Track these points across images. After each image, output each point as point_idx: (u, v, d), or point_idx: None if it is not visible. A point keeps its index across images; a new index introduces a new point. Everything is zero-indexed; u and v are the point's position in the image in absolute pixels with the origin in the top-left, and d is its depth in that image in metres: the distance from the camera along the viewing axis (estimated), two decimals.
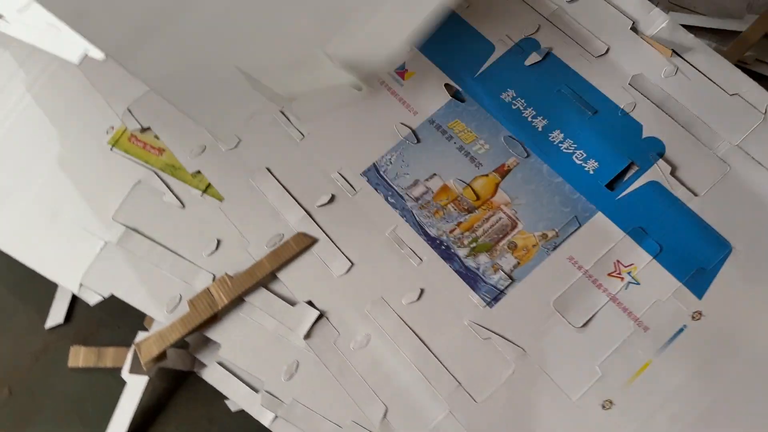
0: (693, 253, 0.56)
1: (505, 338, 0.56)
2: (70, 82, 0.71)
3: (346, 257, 0.59)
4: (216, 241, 0.62)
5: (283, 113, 0.65)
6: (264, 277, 0.59)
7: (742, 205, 0.57)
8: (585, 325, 0.55)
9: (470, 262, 0.59)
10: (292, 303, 0.59)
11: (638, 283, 0.56)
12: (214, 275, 0.61)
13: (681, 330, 0.54)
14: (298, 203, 0.62)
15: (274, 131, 0.65)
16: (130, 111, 0.68)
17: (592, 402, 0.53)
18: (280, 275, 0.60)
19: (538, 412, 0.53)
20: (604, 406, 0.53)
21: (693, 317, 0.55)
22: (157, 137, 0.67)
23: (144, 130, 0.67)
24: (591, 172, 0.60)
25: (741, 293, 0.55)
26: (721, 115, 0.60)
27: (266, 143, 0.65)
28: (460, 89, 0.65)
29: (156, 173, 0.66)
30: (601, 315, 0.55)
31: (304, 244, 0.60)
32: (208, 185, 0.64)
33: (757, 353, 0.53)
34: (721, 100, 0.61)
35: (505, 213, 0.60)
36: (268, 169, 0.64)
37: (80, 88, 0.70)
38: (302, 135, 0.64)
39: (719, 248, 0.56)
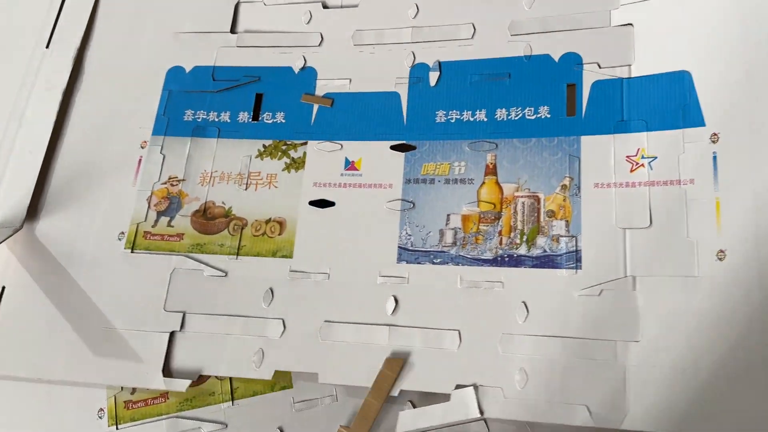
0: (668, 102, 0.63)
1: (611, 280, 0.59)
2: None
3: (450, 330, 0.61)
4: (269, 290, 0.65)
5: None
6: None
7: (669, 38, 0.64)
8: (651, 222, 0.60)
9: (535, 252, 0.62)
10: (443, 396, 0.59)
11: (656, 157, 0.62)
12: (283, 320, 0.63)
13: (715, 159, 0.60)
14: (375, 324, 0.63)
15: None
16: None
17: (710, 254, 0.57)
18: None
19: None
20: (719, 257, 0.57)
21: (712, 140, 0.60)
22: (171, 225, 0.70)
23: None
24: (548, 116, 0.66)
25: (728, 97, 0.61)
26: None
27: None
28: (404, 142, 0.68)
29: (186, 256, 0.68)
30: (656, 203, 0.60)
31: (398, 366, 0.60)
32: (239, 248, 0.67)
33: None
34: None
35: (522, 196, 0.64)
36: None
37: None
38: (328, 275, 0.66)
39: (679, 80, 0.63)
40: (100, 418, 0.67)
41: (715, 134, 0.60)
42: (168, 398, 0.65)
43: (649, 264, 0.59)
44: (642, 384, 0.56)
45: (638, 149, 0.63)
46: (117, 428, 0.66)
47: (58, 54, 0.78)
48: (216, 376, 0.66)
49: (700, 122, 0.61)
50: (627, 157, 0.63)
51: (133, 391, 0.66)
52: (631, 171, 0.62)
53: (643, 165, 0.62)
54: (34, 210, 0.73)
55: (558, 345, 0.58)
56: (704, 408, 0.54)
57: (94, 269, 0.69)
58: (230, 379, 0.66)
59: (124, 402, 0.66)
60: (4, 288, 0.69)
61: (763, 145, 0.58)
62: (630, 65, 0.65)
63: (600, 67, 0.66)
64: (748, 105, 0.60)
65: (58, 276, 0.69)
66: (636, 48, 0.65)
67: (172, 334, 0.66)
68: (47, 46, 0.78)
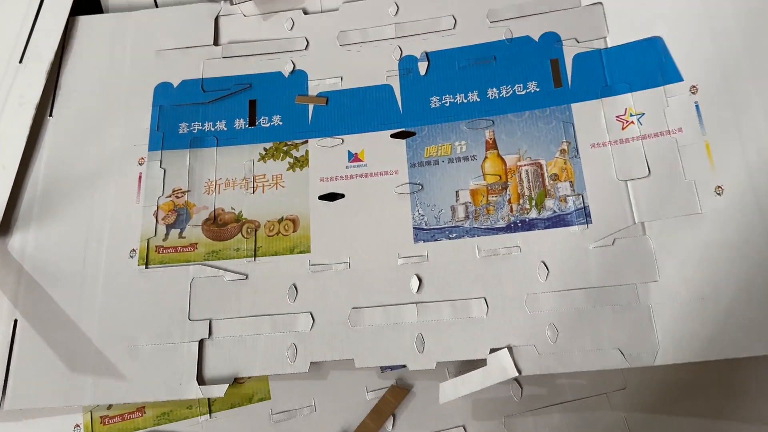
0: (645, 64, 0.68)
1: (621, 229, 0.63)
2: None
3: (476, 299, 0.63)
4: (292, 286, 0.65)
5: None
6: None
7: (636, 10, 0.70)
8: (650, 171, 0.64)
9: (545, 213, 0.65)
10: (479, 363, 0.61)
11: (643, 113, 0.66)
12: (311, 313, 0.64)
13: (697, 108, 0.65)
14: (402, 304, 0.64)
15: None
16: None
17: (709, 191, 0.62)
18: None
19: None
20: (717, 192, 0.62)
21: (692, 92, 0.65)
22: (182, 236, 0.69)
23: None
24: (537, 90, 0.70)
25: (699, 53, 0.66)
26: None
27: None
28: (403, 129, 0.71)
29: (203, 264, 0.67)
30: (651, 154, 0.64)
31: (402, 395, 0.62)
32: (256, 249, 0.67)
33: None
34: None
35: (525, 165, 0.67)
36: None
37: None
38: (348, 263, 0.67)
39: (653, 45, 0.68)
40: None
41: (693, 86, 0.66)
42: (145, 412, 0.64)
43: (655, 209, 0.63)
44: (668, 319, 0.59)
45: (626, 108, 0.67)
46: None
47: (32, 69, 0.77)
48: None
49: (678, 78, 0.66)
50: (617, 117, 0.67)
51: (110, 406, 0.65)
52: (623, 128, 0.66)
53: (632, 122, 0.66)
54: (7, 226, 0.71)
55: (582, 296, 0.61)
56: (729, 331, 0.57)
57: (110, 290, 0.68)
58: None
59: (101, 417, 0.65)
60: (16, 321, 0.67)
61: (737, 89, 0.64)
62: (605, 37, 0.70)
63: (578, 42, 0.70)
64: (717, 57, 0.65)
65: (71, 300, 0.68)
66: (608, 22, 0.70)
67: (201, 342, 0.65)
68: (20, 61, 0.77)
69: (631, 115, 0.67)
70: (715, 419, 0.61)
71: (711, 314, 0.58)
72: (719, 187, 0.62)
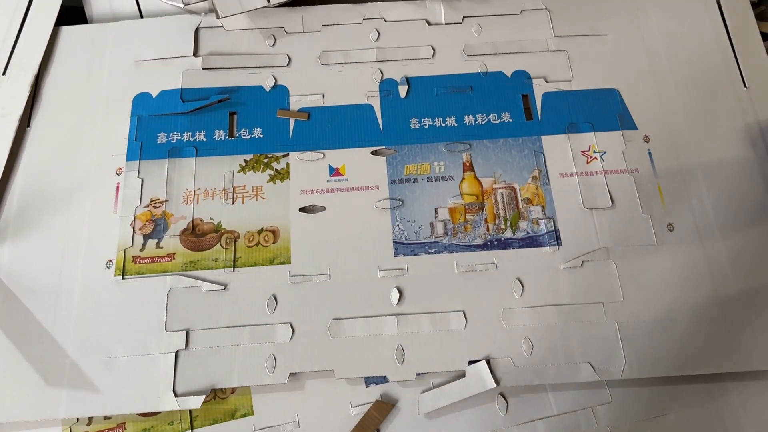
0: (606, 110, 0.75)
1: (588, 252, 0.67)
2: None
3: (455, 312, 0.65)
4: (272, 296, 0.65)
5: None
6: None
7: (597, 64, 0.77)
8: (613, 202, 0.70)
9: (519, 234, 0.69)
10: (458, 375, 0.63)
11: (605, 152, 0.72)
12: (290, 323, 0.64)
13: (650, 154, 0.72)
14: (383, 315, 0.65)
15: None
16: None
17: (662, 227, 0.68)
18: None
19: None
20: (669, 228, 0.68)
21: (645, 140, 0.73)
22: (160, 246, 0.68)
23: None
24: (510, 120, 0.74)
25: (650, 108, 0.74)
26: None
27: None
28: (383, 147, 0.73)
29: (181, 274, 0.66)
30: (613, 188, 0.70)
31: (386, 410, 0.63)
32: (235, 260, 0.66)
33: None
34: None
35: (500, 188, 0.71)
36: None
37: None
38: (329, 275, 0.67)
39: (611, 95, 0.75)
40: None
41: (646, 136, 0.73)
42: (125, 428, 0.62)
43: (617, 236, 0.68)
44: (632, 337, 0.63)
45: (590, 145, 0.73)
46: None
47: (15, 80, 0.74)
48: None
49: (633, 126, 0.74)
50: (582, 151, 0.72)
51: (90, 421, 0.62)
52: (587, 162, 0.72)
53: (596, 158, 0.72)
54: None
55: (554, 313, 0.65)
56: (686, 350, 0.63)
57: (87, 302, 0.65)
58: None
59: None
60: None
61: (680, 145, 0.73)
62: (570, 80, 0.76)
63: (546, 81, 0.76)
64: (664, 114, 0.74)
65: (47, 312, 0.65)
66: (573, 68, 0.77)
67: (177, 353, 0.63)
68: (3, 73, 0.74)
69: (594, 152, 0.72)
70: None
71: (669, 334, 0.63)
72: (670, 224, 0.69)
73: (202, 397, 0.61)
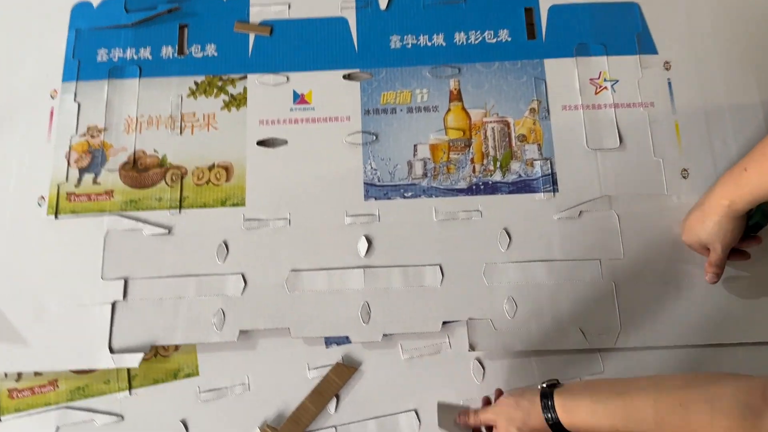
0: (623, 28, 0.63)
1: (588, 201, 0.58)
2: None
3: (430, 266, 0.57)
4: (223, 243, 0.58)
5: None
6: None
7: None
8: (621, 141, 0.60)
9: (510, 177, 0.59)
10: None
11: (617, 80, 0.62)
12: (243, 275, 0.57)
13: (670, 85, 0.61)
14: (348, 268, 0.57)
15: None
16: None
17: (675, 173, 0.59)
18: None
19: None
20: (683, 175, 0.59)
21: (665, 68, 0.62)
22: (97, 182, 0.60)
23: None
24: (509, 39, 0.63)
25: (674, 30, 0.63)
26: None
27: None
28: (357, 70, 0.63)
29: (120, 215, 0.59)
30: (623, 125, 0.60)
31: (347, 375, 0.55)
32: (182, 200, 0.59)
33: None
34: None
35: (491, 122, 0.61)
36: None
37: None
38: (288, 220, 0.59)
39: (630, 10, 0.63)
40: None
41: (667, 62, 0.62)
42: (58, 386, 0.56)
43: (622, 183, 0.59)
44: (630, 300, 0.55)
45: (600, 72, 0.62)
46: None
47: None
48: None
49: (653, 50, 0.62)
50: (590, 79, 0.62)
51: (19, 377, 0.56)
52: (596, 93, 0.61)
53: (606, 87, 0.61)
54: None
55: (543, 269, 0.56)
56: (691, 319, 0.55)
57: (16, 243, 0.58)
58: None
59: (8, 390, 0.56)
60: None
61: (706, 74, 0.62)
62: None
63: None
64: (691, 37, 0.63)
65: None
66: None
67: (114, 305, 0.56)
68: None
69: (605, 81, 0.61)
70: None
71: (673, 299, 0.55)
72: (685, 170, 0.59)
73: (141, 355, 0.54)
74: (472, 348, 0.55)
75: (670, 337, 0.54)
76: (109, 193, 0.59)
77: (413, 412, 0.54)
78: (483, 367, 0.56)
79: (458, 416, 0.53)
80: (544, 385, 0.46)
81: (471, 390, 0.55)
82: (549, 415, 0.44)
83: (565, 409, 0.43)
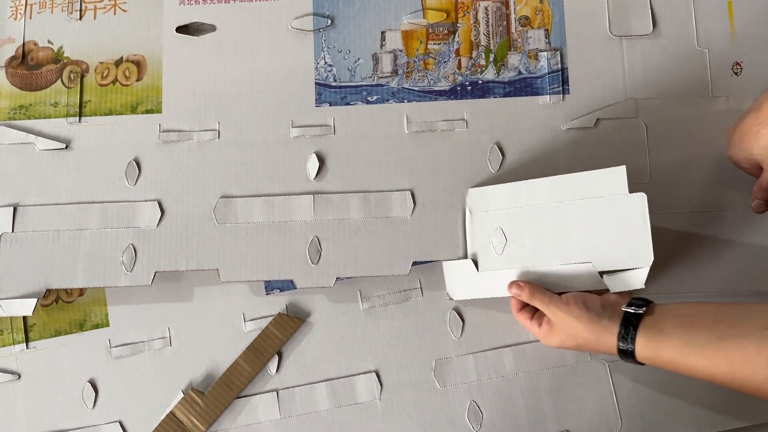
0: None
1: (608, 106, 0.45)
2: None
3: (398, 191, 0.45)
4: (134, 161, 0.47)
5: None
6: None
7: None
8: (655, 26, 0.48)
9: (507, 74, 0.46)
10: None
11: None
12: (159, 201, 0.46)
13: None
14: (293, 194, 0.45)
15: None
16: None
17: (725, 68, 0.48)
18: None
19: None
20: (734, 71, 0.45)
21: None
22: None
23: None
24: None
25: None
26: None
27: None
28: None
29: (6, 125, 0.48)
30: (658, 3, 0.48)
31: (291, 328, 0.45)
32: (82, 105, 0.48)
33: None
34: None
35: None
36: None
37: None
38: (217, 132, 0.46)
39: None
40: None
41: None
42: None
43: (654, 82, 0.47)
44: (658, 235, 0.43)
45: None
46: None
47: None
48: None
49: None
50: None
51: None
52: None
53: None
54: None
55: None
56: (733, 258, 0.43)
57: None
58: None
59: None
60: None
61: None
62: None
63: None
64: None
65: None
66: None
67: (0, 238, 0.46)
68: None
69: None
70: None
71: (713, 234, 0.44)
72: (737, 64, 0.48)
73: (34, 301, 0.45)
74: (450, 296, 0.43)
75: (708, 281, 0.45)
76: None
77: (373, 374, 0.45)
78: (462, 320, 0.45)
79: (510, 284, 0.42)
80: (631, 310, 0.38)
81: (447, 347, 0.44)
82: (626, 347, 0.38)
83: (647, 345, 0.37)
